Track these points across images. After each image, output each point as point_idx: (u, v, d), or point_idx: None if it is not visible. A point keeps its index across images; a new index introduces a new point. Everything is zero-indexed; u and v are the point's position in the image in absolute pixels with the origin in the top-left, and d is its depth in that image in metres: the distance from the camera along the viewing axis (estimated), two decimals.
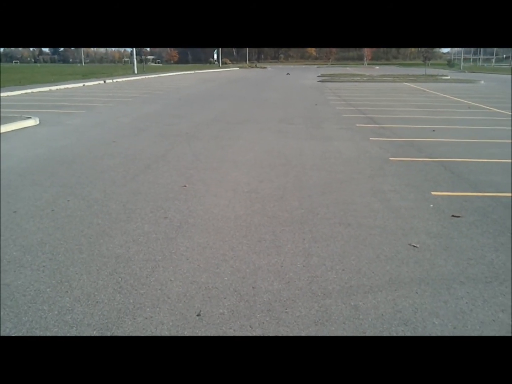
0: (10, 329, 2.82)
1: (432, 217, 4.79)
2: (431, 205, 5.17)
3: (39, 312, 3.02)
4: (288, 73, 44.52)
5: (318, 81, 32.50)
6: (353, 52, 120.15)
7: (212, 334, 2.81)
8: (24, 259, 3.80)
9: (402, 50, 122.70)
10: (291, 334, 2.83)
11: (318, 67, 77.65)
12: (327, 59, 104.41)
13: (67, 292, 3.28)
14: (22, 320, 2.93)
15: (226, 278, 3.49)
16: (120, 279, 3.47)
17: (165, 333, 2.81)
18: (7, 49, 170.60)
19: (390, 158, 7.51)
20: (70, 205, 5.14)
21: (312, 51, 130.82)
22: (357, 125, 11.24)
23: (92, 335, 2.79)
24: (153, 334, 2.80)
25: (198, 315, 3.00)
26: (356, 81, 32.46)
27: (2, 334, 2.78)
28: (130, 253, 3.92)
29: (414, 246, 4.10)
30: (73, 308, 3.07)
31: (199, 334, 2.80)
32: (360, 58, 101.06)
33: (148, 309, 3.06)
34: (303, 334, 2.84)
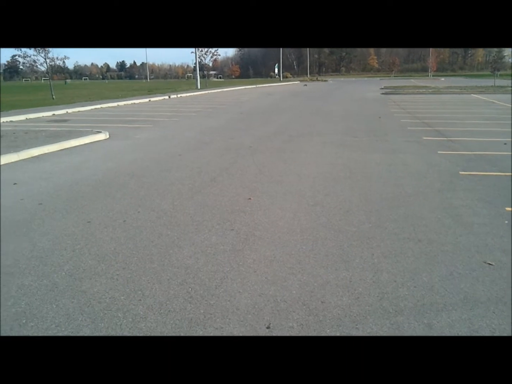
0: (88, 335, 2.93)
1: (507, 234, 4.58)
2: (506, 222, 4.95)
3: (115, 319, 3.12)
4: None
5: (381, 94, 32.02)
6: (417, 63, 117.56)
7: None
8: (99, 267, 3.95)
9: (468, 60, 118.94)
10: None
11: (380, 79, 76.49)
12: (390, 71, 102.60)
13: (140, 300, 3.38)
14: (98, 326, 3.04)
15: (294, 292, 3.48)
16: (190, 289, 3.54)
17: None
18: (77, 67, 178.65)
19: (460, 172, 7.27)
20: (141, 216, 5.31)
21: (374, 63, 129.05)
22: (424, 138, 10.95)
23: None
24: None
25: (268, 327, 3.00)
26: (421, 93, 31.71)
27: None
28: (199, 264, 3.99)
29: (489, 264, 3.93)
30: (146, 316, 3.15)
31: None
32: (424, 70, 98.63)
33: (218, 319, 3.10)
34: None
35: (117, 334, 2.94)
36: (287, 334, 2.93)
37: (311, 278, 3.71)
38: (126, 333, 2.95)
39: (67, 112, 19.64)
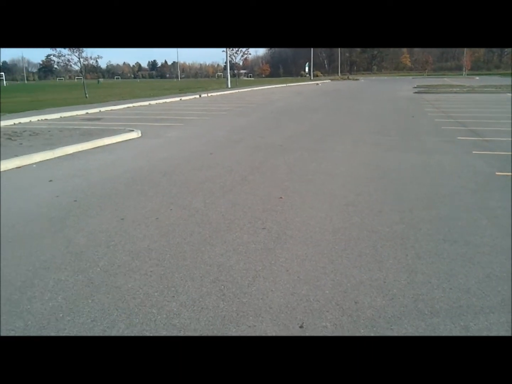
0: (123, 330, 2.98)
1: None
2: None
3: (149, 315, 3.16)
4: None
5: (414, 93, 31.54)
6: (451, 62, 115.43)
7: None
8: (133, 264, 4.00)
9: (504, 59, 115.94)
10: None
11: (413, 78, 75.39)
12: (423, 69, 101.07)
13: (173, 297, 3.40)
14: (133, 321, 3.08)
15: (327, 292, 3.45)
16: (223, 286, 3.55)
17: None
18: (109, 66, 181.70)
19: (497, 173, 7.10)
20: (173, 214, 5.35)
21: (407, 61, 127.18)
22: (458, 137, 10.74)
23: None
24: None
25: (301, 327, 2.98)
26: (455, 92, 31.10)
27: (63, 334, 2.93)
28: (231, 262, 4.00)
29: None
30: (180, 312, 3.18)
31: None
32: (458, 68, 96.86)
33: (251, 318, 3.10)
34: None
35: (152, 330, 2.97)
36: (321, 334, 2.90)
37: (344, 278, 3.67)
38: (161, 329, 2.98)
39: (100, 110, 19.96)
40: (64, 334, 2.95)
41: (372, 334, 2.91)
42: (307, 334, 2.91)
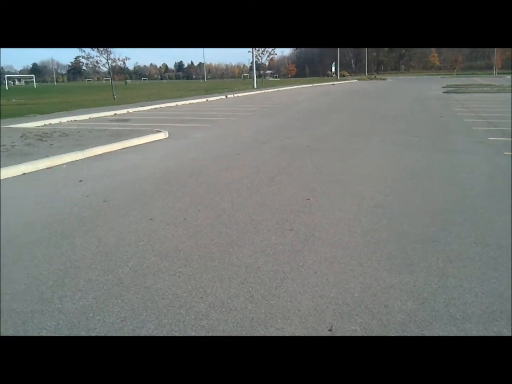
0: (152, 330, 2.99)
1: None
2: None
3: (178, 315, 3.17)
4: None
5: (443, 92, 31.06)
6: (481, 61, 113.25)
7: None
8: (161, 264, 4.03)
9: None
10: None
11: (441, 77, 74.30)
12: (452, 69, 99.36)
13: (202, 298, 3.41)
14: (162, 322, 3.09)
15: (356, 295, 3.41)
16: (251, 288, 3.55)
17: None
18: (137, 67, 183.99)
19: None
20: (201, 214, 5.38)
21: (436, 60, 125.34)
22: (489, 138, 10.53)
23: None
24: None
25: (330, 330, 2.96)
26: (485, 92, 30.53)
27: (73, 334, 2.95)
28: (259, 264, 3.99)
29: None
30: (208, 314, 3.18)
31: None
32: (489, 68, 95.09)
33: (279, 320, 3.08)
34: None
35: (180, 331, 2.98)
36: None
37: (373, 281, 3.63)
38: (189, 330, 2.99)
39: (128, 111, 20.21)
40: (93, 334, 2.99)
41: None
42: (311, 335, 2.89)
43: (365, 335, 2.90)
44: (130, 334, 2.96)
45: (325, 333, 2.93)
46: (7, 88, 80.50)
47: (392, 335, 2.90)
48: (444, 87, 38.56)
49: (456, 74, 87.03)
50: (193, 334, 2.95)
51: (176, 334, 2.95)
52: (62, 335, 2.97)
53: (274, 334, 2.93)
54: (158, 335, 2.95)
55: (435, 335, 2.88)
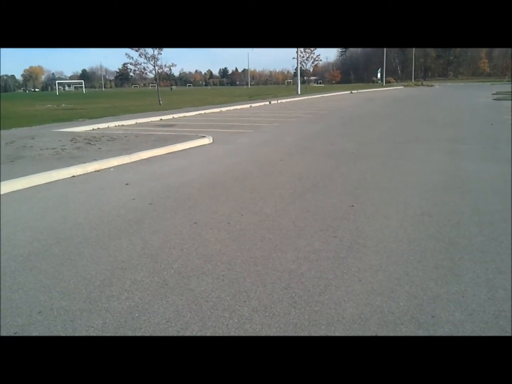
0: (196, 332, 3.02)
1: None
2: None
3: (221, 318, 3.19)
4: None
5: (493, 99, 30.14)
6: None
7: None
8: (205, 267, 4.06)
9: None
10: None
11: (491, 84, 72.08)
12: (503, 75, 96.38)
13: (245, 301, 3.42)
14: (206, 324, 3.12)
15: (402, 304, 3.34)
16: (294, 294, 3.53)
17: None
18: (182, 73, 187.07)
19: None
20: (244, 219, 5.40)
21: (485, 67, 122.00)
22: None
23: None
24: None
25: None
26: None
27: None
28: (302, 270, 3.97)
29: None
30: (251, 318, 3.19)
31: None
32: None
33: (323, 327, 3.06)
34: None
35: (224, 334, 3.00)
36: None
37: (420, 290, 3.55)
38: (233, 333, 3.00)
39: (173, 117, 20.56)
40: (133, 334, 3.04)
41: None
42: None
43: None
44: (175, 335, 3.00)
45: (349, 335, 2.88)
46: (57, 93, 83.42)
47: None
48: (494, 94, 37.44)
49: (507, 81, 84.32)
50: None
51: (219, 335, 2.97)
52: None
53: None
54: (156, 335, 2.98)
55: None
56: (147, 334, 3.02)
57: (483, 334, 2.93)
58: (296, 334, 2.98)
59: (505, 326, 3.02)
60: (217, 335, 2.98)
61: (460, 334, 2.94)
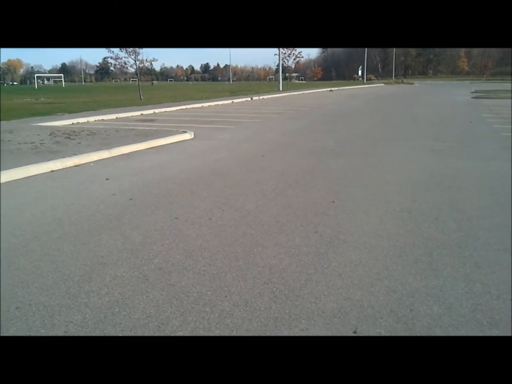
0: (177, 327, 3.02)
1: None
2: None
3: (202, 313, 3.19)
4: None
5: (472, 98, 30.59)
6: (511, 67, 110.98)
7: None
8: (186, 262, 4.05)
9: None
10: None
11: (470, 82, 73.12)
12: (481, 74, 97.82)
13: (226, 296, 3.43)
14: (187, 319, 3.11)
15: (381, 298, 3.38)
16: (275, 288, 3.55)
17: None
18: (163, 68, 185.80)
19: None
20: (225, 214, 5.40)
21: (464, 65, 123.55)
22: None
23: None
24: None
25: (355, 332, 2.94)
26: None
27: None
28: (283, 265, 3.99)
29: None
30: (232, 312, 3.19)
31: None
32: None
33: (303, 321, 3.08)
34: None
35: (205, 328, 3.00)
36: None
37: (399, 285, 3.59)
38: (214, 328, 3.00)
39: (154, 112, 20.42)
40: (113, 330, 3.03)
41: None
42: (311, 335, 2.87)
43: (365, 335, 2.89)
44: (156, 330, 2.99)
45: (350, 335, 2.91)
46: (36, 87, 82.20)
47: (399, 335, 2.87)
48: (473, 92, 37.99)
49: (485, 80, 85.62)
50: (218, 331, 2.96)
51: (200, 331, 2.97)
52: (62, 335, 2.96)
53: (276, 335, 2.92)
54: (156, 335, 2.97)
55: (435, 335, 2.85)
56: (128, 330, 3.00)
57: (460, 328, 2.99)
58: (278, 328, 2.99)
59: (482, 319, 3.08)
60: (216, 335, 2.97)
61: (438, 327, 2.99)
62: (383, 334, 2.92)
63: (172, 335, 2.92)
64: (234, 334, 2.94)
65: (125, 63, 30.74)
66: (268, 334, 2.93)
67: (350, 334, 2.93)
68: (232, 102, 28.92)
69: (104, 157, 9.34)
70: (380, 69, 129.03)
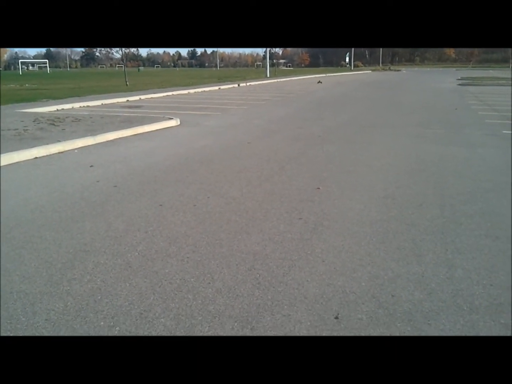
0: (159, 314, 3.02)
1: None
2: None
3: (185, 300, 3.19)
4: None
5: (457, 85, 30.74)
6: (497, 53, 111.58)
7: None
8: (170, 249, 4.05)
9: None
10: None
11: (456, 70, 73.44)
12: (467, 61, 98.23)
13: (209, 283, 3.43)
14: (169, 306, 3.11)
15: (363, 284, 3.41)
16: (258, 275, 3.56)
17: (303, 332, 2.82)
18: (150, 54, 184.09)
19: None
20: (210, 201, 5.39)
21: (451, 52, 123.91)
22: (504, 131, 10.42)
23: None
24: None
25: (336, 317, 2.96)
26: (500, 85, 30.14)
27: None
28: (267, 251, 4.00)
29: None
30: (215, 299, 3.20)
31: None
32: (504, 61, 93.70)
33: (286, 307, 3.09)
34: None
35: (187, 315, 3.00)
36: (356, 326, 2.88)
37: (381, 270, 3.62)
38: (196, 314, 3.00)
39: (140, 98, 20.24)
40: (95, 317, 3.02)
41: (412, 329, 2.86)
42: (311, 334, 2.89)
43: (364, 335, 2.89)
44: (138, 317, 2.99)
45: (331, 320, 2.93)
46: (20, 73, 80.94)
47: (395, 329, 2.90)
48: (459, 79, 38.19)
49: (472, 67, 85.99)
50: (200, 318, 2.97)
51: (183, 318, 2.97)
52: (61, 335, 2.93)
53: (274, 334, 2.94)
54: (156, 335, 2.97)
55: (435, 335, 2.86)
56: (110, 317, 3.00)
57: (440, 313, 3.02)
58: (260, 315, 3.01)
59: (462, 304, 3.12)
60: (217, 335, 2.97)
61: (419, 312, 3.03)
62: (364, 319, 2.95)
63: (171, 335, 2.89)
64: (216, 320, 2.95)
65: (110, 48, 30.42)
66: (250, 320, 2.94)
67: (333, 320, 2.95)
68: (219, 88, 28.76)
69: (89, 143, 9.25)
70: (367, 56, 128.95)
